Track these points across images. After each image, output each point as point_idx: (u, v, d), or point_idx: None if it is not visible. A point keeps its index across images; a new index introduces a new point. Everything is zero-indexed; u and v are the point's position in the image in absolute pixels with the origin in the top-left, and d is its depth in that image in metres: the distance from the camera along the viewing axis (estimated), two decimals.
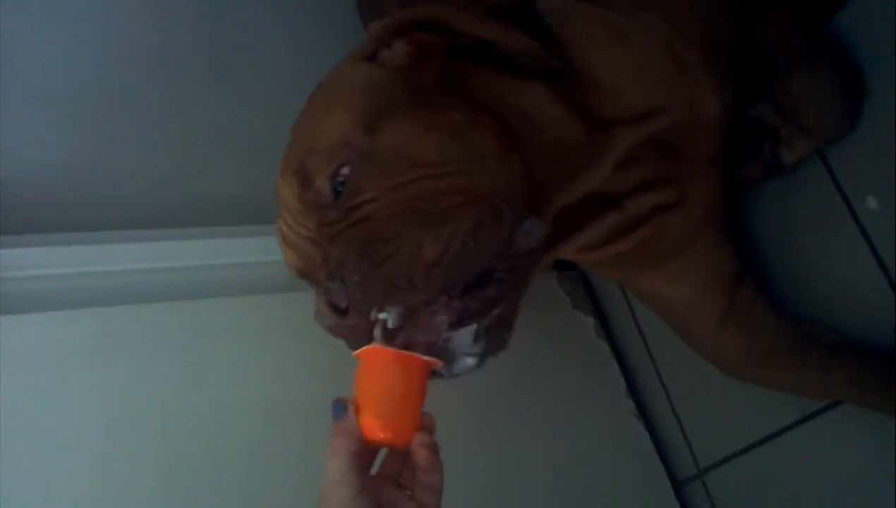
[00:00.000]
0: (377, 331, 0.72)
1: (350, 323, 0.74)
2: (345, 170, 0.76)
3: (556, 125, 0.85)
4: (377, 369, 0.73)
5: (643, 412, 1.40)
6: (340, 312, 0.73)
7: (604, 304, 1.47)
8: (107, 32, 1.28)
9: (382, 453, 0.78)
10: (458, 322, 0.73)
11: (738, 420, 1.24)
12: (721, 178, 1.02)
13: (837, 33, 1.01)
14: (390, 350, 0.71)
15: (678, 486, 1.36)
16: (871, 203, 1.01)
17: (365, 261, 0.72)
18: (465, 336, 0.73)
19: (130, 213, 1.22)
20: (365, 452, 0.73)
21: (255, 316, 1.18)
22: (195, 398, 1.08)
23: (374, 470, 0.76)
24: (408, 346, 0.72)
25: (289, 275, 1.17)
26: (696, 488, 1.34)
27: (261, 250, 1.23)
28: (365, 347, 0.73)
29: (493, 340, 0.75)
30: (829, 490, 1.12)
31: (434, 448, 0.73)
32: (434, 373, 0.75)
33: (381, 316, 0.72)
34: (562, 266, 1.46)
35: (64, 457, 0.98)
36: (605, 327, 1.46)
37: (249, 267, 1.24)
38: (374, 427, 0.72)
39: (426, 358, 0.72)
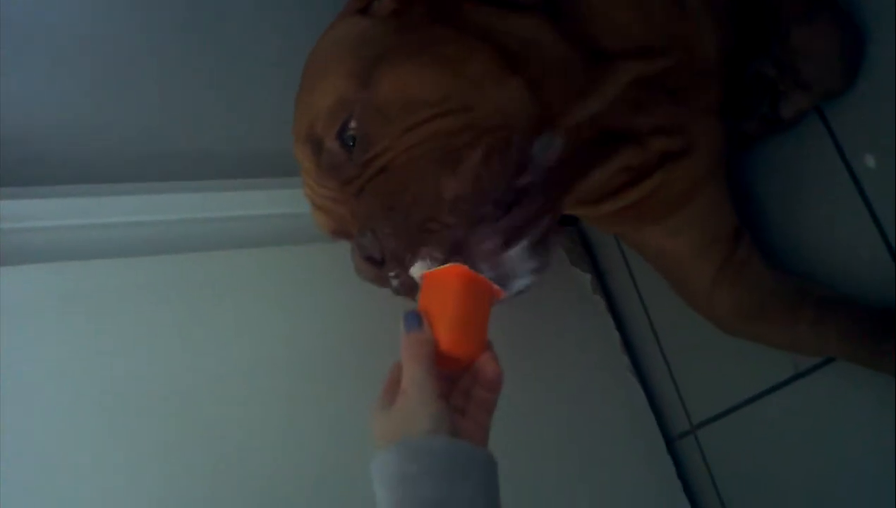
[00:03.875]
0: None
1: (389, 273, 0.75)
2: (352, 125, 0.77)
3: (555, 47, 0.84)
4: (448, 288, 0.74)
5: (637, 368, 1.41)
6: (378, 263, 0.74)
7: (601, 261, 1.47)
8: None
9: None
10: (508, 242, 0.73)
11: (731, 376, 1.26)
12: (724, 131, 1.02)
13: None
14: (464, 269, 0.73)
15: (671, 441, 1.37)
16: (869, 161, 1.01)
17: (393, 212, 0.73)
18: (517, 255, 0.74)
19: (130, 166, 1.21)
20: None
21: (257, 268, 1.18)
22: (195, 351, 1.09)
23: None
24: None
25: (293, 228, 1.19)
26: (688, 443, 1.35)
27: (263, 202, 1.24)
28: (437, 267, 0.74)
29: (544, 255, 0.76)
30: (821, 446, 1.14)
31: (500, 367, 0.76)
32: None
33: (417, 265, 0.73)
34: (560, 222, 1.46)
35: (64, 410, 0.99)
36: (602, 283, 1.47)
37: (251, 219, 1.24)
38: (448, 341, 0.74)
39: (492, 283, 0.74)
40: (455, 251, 0.72)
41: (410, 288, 0.76)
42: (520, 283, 0.75)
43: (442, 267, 0.73)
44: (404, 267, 0.74)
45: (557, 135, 0.81)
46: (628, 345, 1.42)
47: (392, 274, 0.75)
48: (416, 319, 0.74)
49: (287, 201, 1.20)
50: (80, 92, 1.21)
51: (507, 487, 1.17)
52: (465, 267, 0.73)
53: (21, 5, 1.13)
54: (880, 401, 1.04)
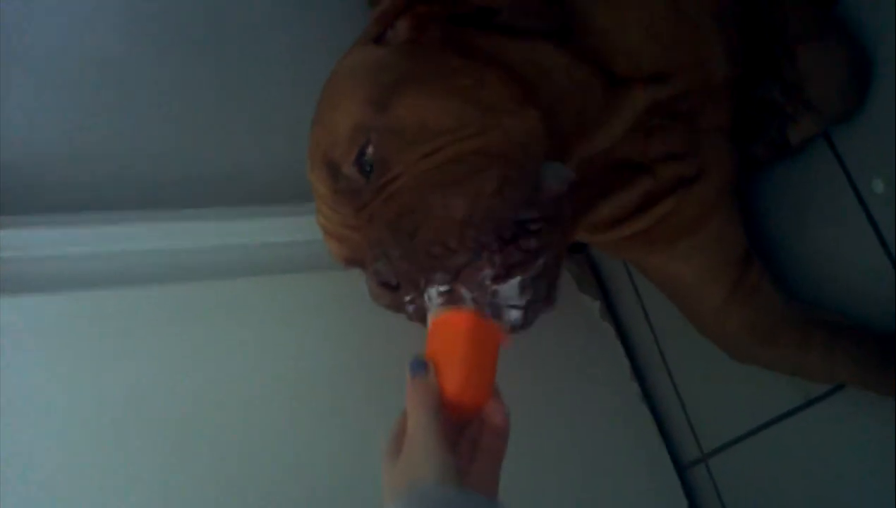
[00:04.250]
0: (429, 302, 0.74)
1: (404, 297, 0.75)
2: (369, 150, 0.77)
3: (566, 73, 0.85)
4: (455, 334, 0.73)
5: (648, 395, 1.40)
6: (393, 289, 0.74)
7: (610, 287, 1.47)
8: (107, 8, 1.28)
9: None
10: (504, 275, 0.73)
11: (742, 404, 1.25)
12: (734, 154, 1.02)
13: (847, 12, 1.00)
14: (471, 314, 0.73)
15: (682, 469, 1.36)
16: (878, 186, 1.01)
17: (400, 235, 0.73)
18: (510, 289, 0.73)
19: (133, 194, 1.22)
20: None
21: (262, 297, 1.18)
22: (199, 380, 1.08)
23: None
24: (454, 302, 0.73)
25: (303, 255, 1.19)
26: (700, 471, 1.34)
27: (270, 230, 1.24)
28: (443, 312, 0.74)
29: (539, 292, 0.75)
30: (834, 473, 1.12)
31: (507, 415, 0.75)
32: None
33: (430, 290, 0.73)
34: (570, 248, 1.46)
35: (63, 438, 0.99)
36: (611, 310, 1.46)
37: (258, 247, 1.24)
38: (454, 388, 0.73)
39: (497, 323, 0.74)
40: (456, 278, 0.72)
41: (425, 315, 0.76)
42: (509, 317, 0.75)
43: (449, 311, 0.73)
44: (419, 291, 0.74)
45: (570, 165, 0.81)
46: (638, 372, 1.41)
47: (408, 298, 0.75)
48: (421, 365, 0.73)
49: (292, 229, 1.21)
50: (82, 119, 1.22)
51: None
52: (472, 313, 0.73)
53: (23, 33, 1.14)
54: (893, 427, 1.03)
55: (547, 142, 0.80)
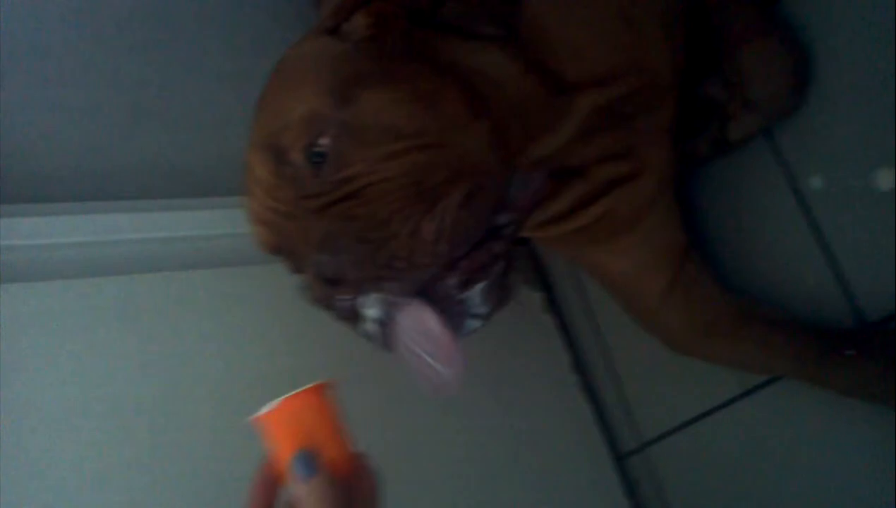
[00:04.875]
0: (367, 306, 0.72)
1: (341, 296, 0.73)
2: (324, 141, 0.75)
3: (516, 83, 0.85)
4: (315, 411, 0.72)
5: (588, 386, 1.41)
6: (331, 284, 0.73)
7: (552, 280, 1.48)
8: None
9: None
10: (468, 281, 0.73)
11: (679, 394, 1.27)
12: (673, 151, 1.03)
13: (788, 10, 1.02)
14: (308, 393, 0.72)
15: (621, 459, 1.38)
16: (816, 182, 1.03)
17: (360, 242, 0.72)
18: (475, 296, 0.74)
19: (128, 184, 1.21)
20: None
21: (249, 287, 1.18)
22: (191, 367, 1.08)
23: None
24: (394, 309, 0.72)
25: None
26: (637, 461, 1.36)
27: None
28: (269, 408, 0.72)
29: (500, 296, 0.76)
30: (770, 464, 1.15)
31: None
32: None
33: (370, 313, 0.72)
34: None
35: (59, 423, 0.98)
36: (552, 302, 1.47)
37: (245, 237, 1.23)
38: (343, 461, 0.72)
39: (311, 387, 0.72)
40: (419, 291, 0.72)
41: (354, 316, 0.75)
42: (470, 327, 0.75)
43: (276, 404, 0.71)
44: (358, 294, 0.73)
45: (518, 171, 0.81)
46: (578, 364, 1.43)
47: (345, 297, 0.74)
48: (309, 463, 0.70)
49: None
50: (79, 110, 1.20)
51: (453, 503, 1.18)
52: (308, 390, 0.72)
53: (21, 25, 1.12)
54: (826, 418, 1.06)
55: (498, 150, 0.80)
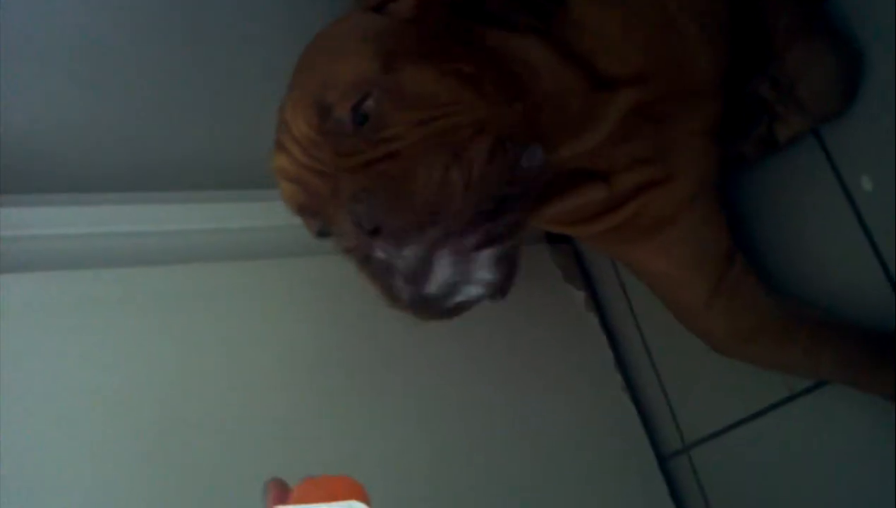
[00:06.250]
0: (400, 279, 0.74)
1: (380, 244, 0.74)
2: (369, 103, 0.78)
3: (554, 74, 0.86)
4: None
5: (630, 386, 1.40)
6: (366, 232, 0.74)
7: (595, 278, 1.47)
8: None
9: None
10: (483, 244, 0.74)
11: (725, 396, 1.25)
12: (716, 154, 1.02)
13: (837, 9, 1.00)
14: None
15: (664, 460, 1.37)
16: (866, 183, 1.01)
17: (398, 197, 0.73)
18: (485, 258, 0.75)
19: (131, 175, 1.22)
20: None
21: (255, 280, 1.18)
22: (191, 361, 1.08)
23: None
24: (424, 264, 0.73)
25: (287, 240, 1.19)
26: (681, 463, 1.35)
27: (263, 214, 1.23)
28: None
29: (504, 272, 0.77)
30: (815, 468, 1.13)
31: None
32: (449, 311, 0.77)
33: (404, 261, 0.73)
34: (555, 239, 1.46)
35: (61, 415, 0.99)
36: (596, 301, 1.46)
37: (250, 231, 1.24)
38: None
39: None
40: (442, 241, 0.73)
41: (388, 269, 0.75)
42: (473, 291, 0.76)
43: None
44: (398, 244, 0.73)
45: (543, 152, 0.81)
46: (621, 363, 1.42)
47: (386, 245, 0.74)
48: None
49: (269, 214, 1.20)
50: (83, 101, 1.20)
51: (497, 503, 1.18)
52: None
53: (22, 15, 1.13)
54: (875, 424, 1.04)
55: (528, 136, 0.80)
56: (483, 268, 0.75)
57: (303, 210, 0.85)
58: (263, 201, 1.22)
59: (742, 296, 1.07)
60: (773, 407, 1.17)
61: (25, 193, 1.11)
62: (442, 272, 0.74)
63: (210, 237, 1.21)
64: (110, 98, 1.22)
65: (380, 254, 0.75)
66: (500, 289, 0.77)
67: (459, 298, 0.76)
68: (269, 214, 1.21)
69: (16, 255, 1.06)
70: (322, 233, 0.84)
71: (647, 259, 1.09)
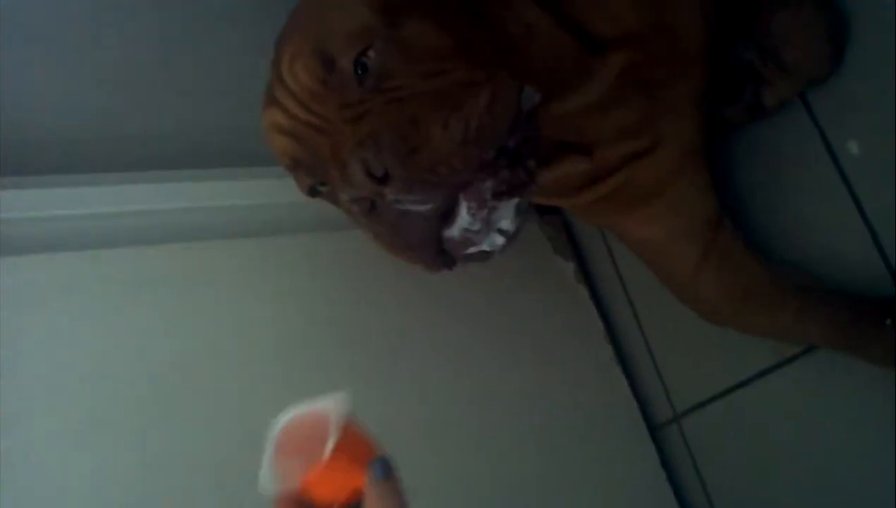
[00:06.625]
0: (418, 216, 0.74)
1: (391, 191, 0.73)
2: (371, 54, 0.77)
3: (549, 38, 0.86)
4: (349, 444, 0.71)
5: (621, 357, 1.41)
6: (377, 180, 0.73)
7: (584, 249, 1.47)
8: None
9: None
10: (503, 193, 0.74)
11: (714, 365, 1.26)
12: (703, 119, 1.02)
13: None
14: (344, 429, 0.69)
15: (655, 430, 1.38)
16: (853, 147, 1.01)
17: (403, 144, 0.72)
18: (507, 208, 0.75)
19: (130, 155, 1.21)
20: None
21: (257, 258, 1.19)
22: (189, 339, 1.09)
23: None
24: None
25: (282, 217, 1.19)
26: (672, 432, 1.35)
27: (265, 192, 1.24)
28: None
29: (523, 219, 0.77)
30: (805, 434, 1.14)
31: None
32: (467, 257, 0.77)
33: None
34: (544, 211, 1.46)
35: (60, 397, 0.99)
36: (585, 272, 1.46)
37: (250, 209, 1.24)
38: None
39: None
40: (460, 190, 0.73)
41: (399, 217, 0.75)
42: (498, 241, 0.76)
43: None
44: (409, 191, 0.73)
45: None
46: (611, 334, 1.42)
47: (399, 190, 0.73)
48: (387, 469, 0.70)
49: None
50: (81, 83, 1.20)
51: (489, 476, 1.18)
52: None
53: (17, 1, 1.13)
54: (864, 388, 1.04)
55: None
56: (504, 218, 0.75)
57: (297, 165, 0.84)
58: (264, 178, 1.22)
59: (731, 261, 1.07)
60: (763, 373, 1.18)
61: (23, 175, 1.11)
62: (464, 218, 0.74)
63: (209, 216, 1.21)
64: (104, 80, 1.22)
65: (392, 199, 0.74)
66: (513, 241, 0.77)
67: (481, 246, 0.76)
68: (271, 192, 1.22)
69: (15, 237, 1.07)
70: (313, 191, 0.84)
71: (636, 228, 1.09)
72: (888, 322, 0.97)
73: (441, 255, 0.77)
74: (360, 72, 0.77)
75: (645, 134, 0.97)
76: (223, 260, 1.16)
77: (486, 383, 1.25)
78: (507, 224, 0.76)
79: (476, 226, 0.75)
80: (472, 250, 0.76)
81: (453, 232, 0.75)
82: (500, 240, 0.76)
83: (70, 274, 1.06)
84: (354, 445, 0.71)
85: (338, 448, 0.69)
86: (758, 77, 1.03)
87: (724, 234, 1.07)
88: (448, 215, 0.74)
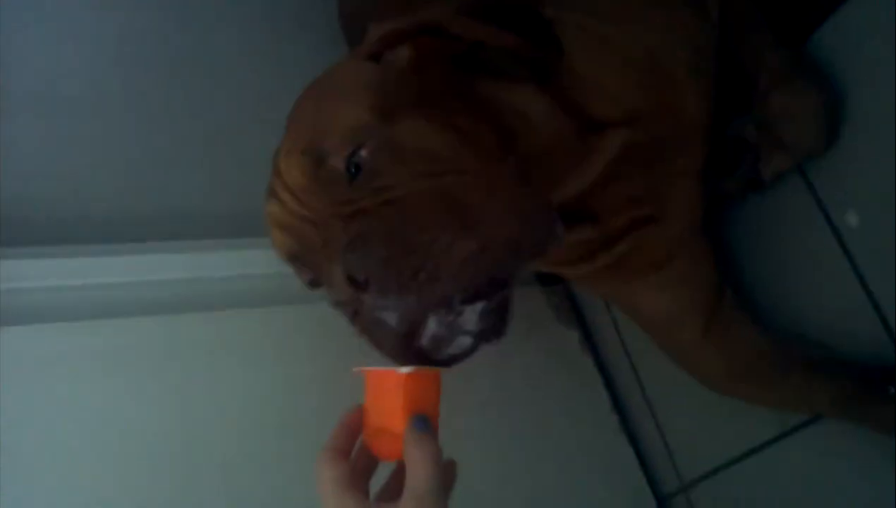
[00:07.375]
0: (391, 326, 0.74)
1: (366, 298, 0.73)
2: (363, 153, 0.77)
3: (547, 121, 0.86)
4: (426, 386, 0.75)
5: (627, 426, 1.40)
6: (358, 286, 0.73)
7: (588, 319, 1.47)
8: (105, 41, 1.29)
9: None
10: (470, 298, 0.74)
11: (720, 434, 1.25)
12: (703, 194, 1.03)
13: (816, 50, 1.02)
14: (415, 373, 0.73)
15: (662, 501, 1.36)
16: (852, 218, 1.02)
17: (395, 246, 0.72)
18: (472, 312, 0.74)
19: (131, 226, 1.22)
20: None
21: (258, 328, 1.18)
22: (192, 411, 1.08)
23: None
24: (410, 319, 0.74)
25: (286, 288, 1.19)
26: (680, 502, 1.34)
27: (266, 262, 1.23)
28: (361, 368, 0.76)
29: (494, 323, 0.76)
30: (812, 503, 1.13)
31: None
32: (445, 361, 0.77)
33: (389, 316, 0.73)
34: (547, 281, 1.46)
35: (61, 466, 0.98)
36: (590, 341, 1.46)
37: (251, 279, 1.23)
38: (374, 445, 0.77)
39: (405, 370, 0.73)
40: (433, 301, 0.72)
41: (377, 324, 0.75)
42: (465, 343, 0.75)
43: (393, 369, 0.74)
44: (387, 299, 0.72)
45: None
46: (617, 404, 1.42)
47: (375, 299, 0.73)
48: (426, 425, 0.73)
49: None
50: (81, 154, 1.22)
51: None
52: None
53: (23, 69, 1.14)
54: (870, 457, 1.04)
55: (526, 186, 0.81)
56: (471, 321, 0.74)
57: (294, 259, 0.85)
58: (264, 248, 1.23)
59: (733, 334, 1.08)
60: (768, 443, 1.17)
61: (25, 246, 1.11)
62: (431, 326, 0.74)
63: (208, 286, 1.20)
64: (108, 150, 1.24)
65: (369, 307, 0.74)
66: (494, 333, 0.77)
67: (452, 350, 0.75)
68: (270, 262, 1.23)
69: (17, 307, 1.06)
70: (314, 283, 0.84)
71: (640, 300, 1.10)
72: (892, 390, 0.97)
73: (421, 361, 0.76)
74: (352, 170, 0.77)
75: (649, 202, 0.98)
76: (224, 331, 1.16)
77: (490, 453, 1.24)
78: (471, 325, 0.75)
79: (443, 333, 0.74)
80: (445, 354, 0.76)
81: (423, 341, 0.74)
82: (467, 341, 0.75)
83: (71, 343, 1.06)
84: (432, 393, 0.76)
85: (428, 377, 0.75)
86: (755, 152, 1.05)
87: (726, 306, 1.08)
88: (416, 325, 0.74)
